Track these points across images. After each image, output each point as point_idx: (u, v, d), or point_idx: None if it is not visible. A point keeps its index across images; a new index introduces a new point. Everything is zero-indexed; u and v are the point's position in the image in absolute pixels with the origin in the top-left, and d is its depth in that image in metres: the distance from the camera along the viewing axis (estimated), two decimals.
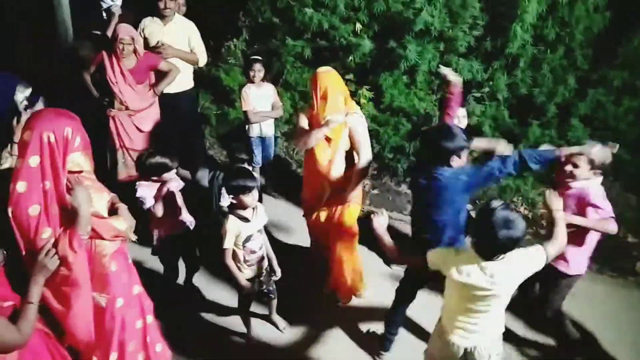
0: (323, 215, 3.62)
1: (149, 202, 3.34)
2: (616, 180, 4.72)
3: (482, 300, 2.41)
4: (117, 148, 4.45)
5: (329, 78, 3.36)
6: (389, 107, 5.26)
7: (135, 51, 4.29)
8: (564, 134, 4.79)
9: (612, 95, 4.72)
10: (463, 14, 4.87)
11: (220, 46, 6.00)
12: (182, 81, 4.77)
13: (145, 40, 4.61)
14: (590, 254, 3.14)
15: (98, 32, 4.51)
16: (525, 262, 2.40)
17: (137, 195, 3.34)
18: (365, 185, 5.11)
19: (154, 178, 3.32)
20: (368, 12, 5.12)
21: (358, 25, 5.23)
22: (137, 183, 3.37)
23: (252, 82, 4.61)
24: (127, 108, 4.36)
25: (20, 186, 2.15)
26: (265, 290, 3.34)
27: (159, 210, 3.34)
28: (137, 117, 4.42)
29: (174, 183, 3.39)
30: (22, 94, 2.85)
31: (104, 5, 4.63)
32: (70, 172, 2.32)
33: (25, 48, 6.03)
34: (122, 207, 2.64)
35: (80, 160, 2.35)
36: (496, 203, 2.27)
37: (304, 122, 3.49)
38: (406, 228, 4.16)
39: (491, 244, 2.28)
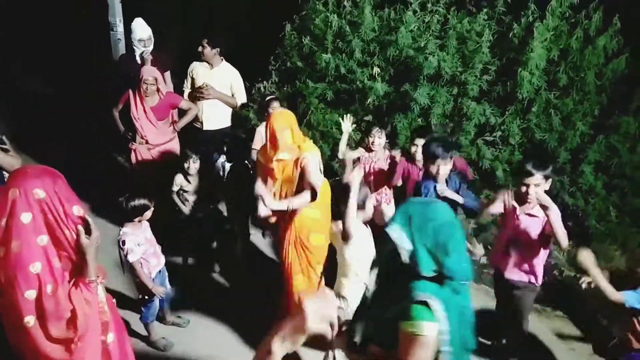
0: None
1: (133, 257, 3.40)
2: None
3: None
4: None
5: (277, 119, 3.58)
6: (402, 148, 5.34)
7: (158, 90, 4.72)
8: (576, 180, 4.64)
9: (627, 142, 4.54)
10: (473, 59, 4.93)
11: (251, 87, 6.39)
12: (222, 120, 5.36)
13: (192, 80, 5.21)
14: None
15: (131, 74, 4.99)
16: None
17: (124, 246, 3.39)
18: None
19: (137, 219, 3.45)
20: (382, 57, 5.29)
21: (376, 69, 5.41)
22: (122, 232, 3.44)
23: None
24: (147, 142, 4.78)
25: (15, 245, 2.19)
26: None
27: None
28: (155, 150, 4.81)
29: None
30: None
31: (137, 52, 5.15)
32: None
33: None
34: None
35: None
36: None
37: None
38: None
39: None
